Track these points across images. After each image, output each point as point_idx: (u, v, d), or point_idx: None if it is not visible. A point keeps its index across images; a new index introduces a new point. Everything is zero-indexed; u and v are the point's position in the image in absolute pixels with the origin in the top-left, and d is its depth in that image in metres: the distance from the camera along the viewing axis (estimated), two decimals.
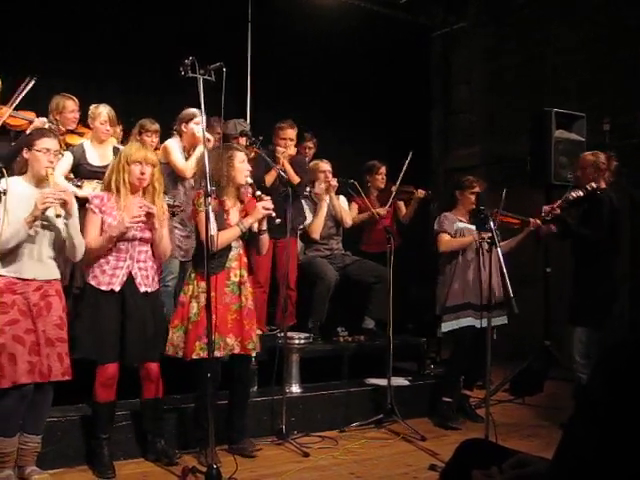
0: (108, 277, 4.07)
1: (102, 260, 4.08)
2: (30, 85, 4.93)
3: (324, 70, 7.79)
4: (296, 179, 5.76)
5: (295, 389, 5.23)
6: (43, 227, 3.85)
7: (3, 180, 3.45)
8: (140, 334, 4.08)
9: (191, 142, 5.28)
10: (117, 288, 4.06)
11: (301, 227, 6.01)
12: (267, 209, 4.33)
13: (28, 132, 4.17)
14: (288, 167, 5.73)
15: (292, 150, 5.85)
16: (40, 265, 3.86)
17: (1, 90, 4.91)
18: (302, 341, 5.31)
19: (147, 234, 4.14)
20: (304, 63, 7.66)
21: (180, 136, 5.39)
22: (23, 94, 4.93)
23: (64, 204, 3.75)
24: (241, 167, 4.39)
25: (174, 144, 5.29)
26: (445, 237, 5.38)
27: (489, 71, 8.83)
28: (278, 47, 7.47)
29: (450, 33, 9.18)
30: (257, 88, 7.45)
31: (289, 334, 5.18)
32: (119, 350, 4.03)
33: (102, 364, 4.05)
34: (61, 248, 3.94)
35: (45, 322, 3.84)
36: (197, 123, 5.14)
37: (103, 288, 4.05)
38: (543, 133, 6.29)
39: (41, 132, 4.01)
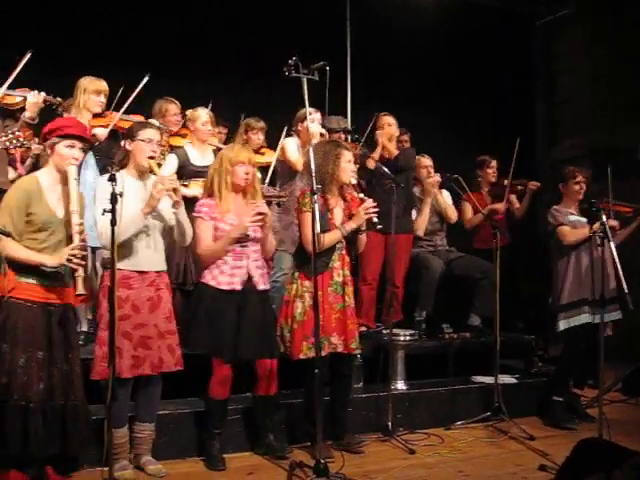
0: (228, 277, 4.16)
1: (220, 261, 4.18)
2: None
3: (423, 65, 7.71)
4: (394, 153, 5.74)
5: (400, 386, 5.22)
6: (153, 217, 4.00)
7: (119, 182, 3.58)
8: (257, 331, 4.16)
9: (307, 140, 5.34)
10: (238, 287, 4.15)
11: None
12: (369, 213, 4.32)
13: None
14: (387, 144, 5.74)
15: (392, 130, 5.84)
16: (153, 256, 4.03)
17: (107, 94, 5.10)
18: (407, 338, 5.29)
19: (259, 234, 4.22)
20: (402, 59, 7.61)
21: (298, 135, 5.49)
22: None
23: (175, 192, 3.91)
24: (347, 167, 4.40)
25: (291, 142, 5.40)
26: (566, 229, 5.19)
27: (594, 59, 8.51)
28: (376, 44, 7.45)
29: (553, 21, 8.91)
30: (356, 85, 7.46)
31: (394, 331, 5.17)
32: (236, 348, 4.12)
33: (219, 362, 4.15)
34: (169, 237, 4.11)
35: (157, 316, 3.99)
36: (312, 121, 5.16)
37: (224, 288, 4.15)
38: None
39: (143, 124, 4.17)
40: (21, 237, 3.63)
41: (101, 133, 4.90)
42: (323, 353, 4.22)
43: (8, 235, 3.51)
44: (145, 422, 4.10)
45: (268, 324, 4.26)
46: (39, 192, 3.70)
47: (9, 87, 4.81)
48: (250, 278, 4.19)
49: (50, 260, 3.65)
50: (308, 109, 5.09)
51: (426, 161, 6.09)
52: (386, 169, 5.33)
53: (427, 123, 7.17)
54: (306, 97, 4.04)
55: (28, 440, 3.58)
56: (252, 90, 7.06)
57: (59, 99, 4.90)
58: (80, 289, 3.63)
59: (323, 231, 4.16)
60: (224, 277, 4.16)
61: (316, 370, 3.89)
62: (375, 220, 4.32)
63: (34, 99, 4.70)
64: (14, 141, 3.94)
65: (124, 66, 5.93)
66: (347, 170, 4.40)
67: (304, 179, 5.25)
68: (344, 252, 4.45)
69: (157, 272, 4.06)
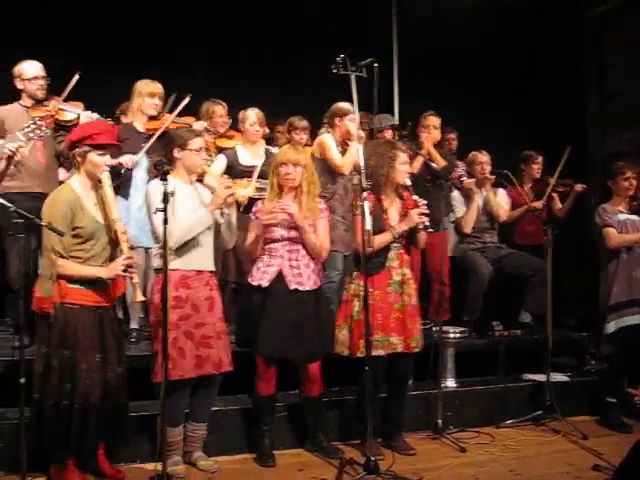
0: (260, 274, 4.21)
1: (258, 259, 4.25)
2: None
3: (469, 60, 7.64)
4: (441, 162, 5.72)
5: (450, 383, 5.20)
6: None
7: (171, 181, 3.63)
8: (288, 332, 4.13)
9: (345, 137, 5.31)
10: (265, 284, 4.17)
11: (453, 220, 5.92)
12: (420, 217, 4.30)
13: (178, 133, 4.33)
14: (433, 151, 5.73)
15: (437, 135, 5.82)
16: (207, 256, 4.09)
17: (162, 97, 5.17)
18: (457, 335, 5.27)
19: (293, 233, 4.21)
20: (448, 55, 7.54)
21: (333, 130, 5.42)
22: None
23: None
24: (402, 168, 4.39)
25: (329, 139, 5.28)
26: (612, 231, 5.11)
27: None
28: (422, 40, 7.41)
29: (604, 12, 8.73)
30: (403, 82, 7.42)
31: (444, 328, 5.13)
32: (271, 346, 4.11)
33: (261, 358, 4.17)
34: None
35: (214, 315, 4.04)
36: (351, 120, 5.12)
37: (254, 283, 4.20)
38: None
39: (191, 132, 4.21)
40: (69, 251, 3.68)
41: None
42: (382, 352, 4.24)
43: (62, 234, 3.57)
44: (200, 422, 4.15)
45: (308, 326, 4.19)
46: (79, 202, 3.75)
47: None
48: (282, 277, 4.20)
49: (106, 272, 3.73)
50: (348, 107, 5.13)
51: (482, 157, 5.98)
52: (435, 165, 5.30)
53: (474, 118, 7.10)
54: (354, 95, 4.03)
55: (86, 439, 3.70)
56: (296, 88, 7.08)
57: (110, 120, 4.99)
58: (140, 296, 3.73)
59: (377, 232, 4.17)
60: (257, 274, 4.22)
61: (366, 368, 3.89)
62: (427, 223, 4.31)
63: (87, 120, 4.79)
64: (37, 131, 3.98)
65: (175, 68, 6.04)
66: (402, 172, 4.39)
67: (344, 179, 5.26)
68: (402, 251, 4.43)
69: (210, 272, 4.11)
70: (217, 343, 4.02)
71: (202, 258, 4.05)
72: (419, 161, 5.60)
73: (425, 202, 4.36)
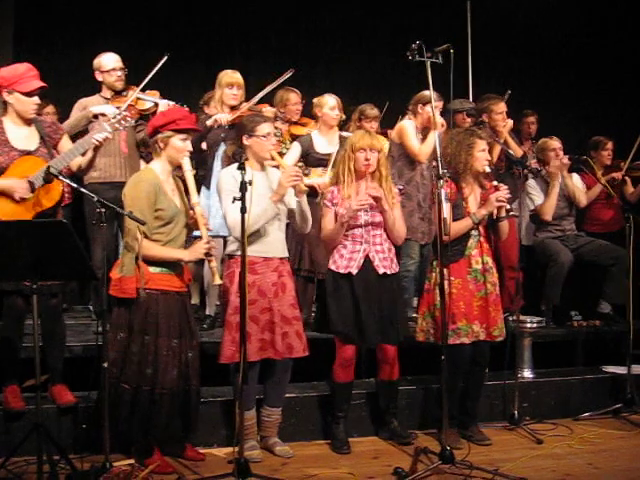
0: (346, 261, 4.20)
1: (340, 246, 4.24)
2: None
3: (544, 44, 7.47)
4: (519, 151, 5.63)
5: (527, 374, 5.11)
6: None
7: (248, 171, 3.67)
8: (377, 316, 4.17)
9: (426, 124, 5.28)
10: (354, 271, 4.18)
11: (532, 208, 5.81)
12: (501, 201, 4.24)
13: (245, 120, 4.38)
14: (510, 140, 5.63)
15: (510, 122, 5.69)
16: (277, 242, 4.12)
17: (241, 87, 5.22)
18: (535, 325, 5.16)
19: (378, 218, 4.22)
20: (523, 38, 7.39)
21: (415, 117, 5.41)
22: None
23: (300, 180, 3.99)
24: (481, 156, 4.33)
25: (409, 126, 5.29)
26: None
27: None
28: (497, 24, 7.28)
29: None
30: (477, 67, 7.30)
31: (521, 317, 5.07)
32: (357, 332, 4.15)
33: (342, 345, 4.20)
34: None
35: (281, 301, 4.08)
36: (435, 107, 5.09)
37: (341, 271, 4.20)
38: None
39: (258, 118, 4.23)
40: (151, 233, 3.78)
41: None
42: (467, 340, 4.23)
43: (143, 223, 3.67)
44: (274, 407, 4.20)
45: (391, 309, 4.24)
46: (160, 185, 3.84)
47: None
48: (369, 262, 4.21)
49: (188, 255, 3.84)
50: (434, 96, 5.08)
51: (554, 143, 5.87)
52: (512, 152, 5.21)
53: (549, 103, 6.95)
54: (430, 81, 3.99)
55: (167, 423, 3.82)
56: (369, 74, 7.06)
57: (186, 107, 5.06)
58: (218, 279, 3.81)
59: (457, 220, 4.15)
60: (342, 261, 4.21)
61: (442, 357, 3.88)
62: (508, 207, 4.26)
63: (165, 109, 4.88)
64: (122, 121, 4.09)
65: (257, 57, 6.11)
66: (481, 159, 4.33)
67: (423, 166, 5.22)
68: (482, 239, 4.39)
69: (280, 258, 4.15)
70: (286, 328, 4.05)
71: (270, 245, 4.08)
72: (498, 149, 5.49)
73: (506, 187, 4.31)
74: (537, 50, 7.46)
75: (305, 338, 4.14)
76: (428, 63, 3.96)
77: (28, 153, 3.94)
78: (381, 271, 4.21)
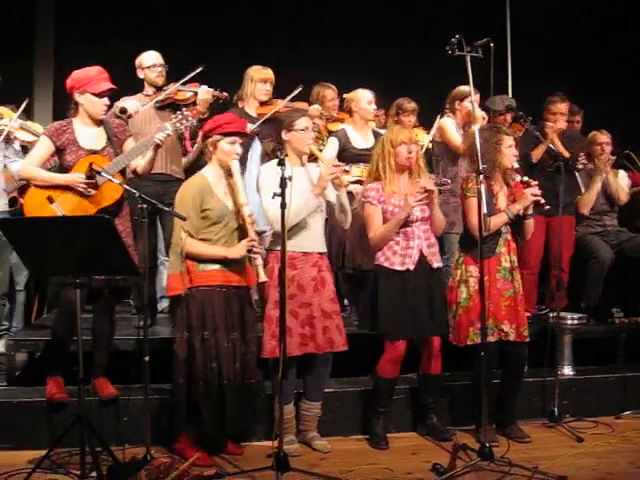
0: (401, 257, 4.20)
1: (392, 242, 4.23)
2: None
3: (587, 37, 7.36)
4: (566, 154, 5.51)
5: (567, 371, 5.04)
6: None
7: (288, 167, 3.69)
8: (429, 309, 4.20)
9: (466, 120, 5.27)
10: (412, 267, 4.19)
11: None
12: (535, 195, 4.21)
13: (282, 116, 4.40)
14: (557, 142, 5.50)
15: (562, 124, 5.52)
16: (316, 237, 4.15)
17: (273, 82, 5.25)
18: (575, 321, 5.11)
19: (427, 212, 4.23)
20: (564, 30, 7.29)
21: (453, 114, 5.40)
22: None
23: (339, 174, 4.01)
24: (508, 152, 4.31)
25: (449, 122, 5.31)
26: None
27: None
28: (537, 17, 7.19)
29: None
30: (517, 61, 7.24)
31: (561, 314, 5.02)
32: (411, 327, 4.16)
33: (393, 341, 4.20)
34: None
35: (321, 296, 4.10)
36: (472, 101, 5.07)
37: (397, 268, 4.19)
38: None
39: (296, 113, 4.27)
40: (198, 233, 3.88)
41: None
42: (492, 339, 4.20)
43: (184, 219, 3.75)
44: (313, 400, 4.23)
45: (440, 301, 4.28)
46: (209, 188, 3.94)
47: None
48: (423, 257, 4.22)
49: (232, 253, 3.91)
50: (467, 89, 5.04)
51: (602, 137, 5.77)
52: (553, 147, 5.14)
53: (592, 97, 6.84)
54: (470, 76, 3.97)
55: (229, 417, 3.90)
56: (403, 69, 7.04)
57: (225, 94, 5.11)
58: (262, 277, 3.86)
59: (488, 216, 4.10)
60: (397, 258, 4.21)
61: (482, 353, 3.86)
62: (542, 201, 4.21)
63: (204, 96, 4.95)
64: (184, 121, 4.18)
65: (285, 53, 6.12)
66: (509, 155, 4.31)
67: (465, 162, 5.19)
68: (510, 237, 4.37)
69: (319, 253, 4.17)
70: (326, 323, 4.07)
71: (310, 240, 4.10)
72: (541, 149, 5.39)
73: (536, 182, 4.28)
74: (579, 43, 7.35)
75: (344, 333, 4.16)
76: (468, 57, 3.93)
77: (94, 152, 4.10)
78: (435, 265, 4.25)
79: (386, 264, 4.21)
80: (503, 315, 4.25)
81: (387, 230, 4.19)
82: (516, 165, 4.36)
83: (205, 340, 3.86)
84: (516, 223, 4.35)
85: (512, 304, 4.29)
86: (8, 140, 4.83)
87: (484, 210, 3.83)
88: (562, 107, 5.55)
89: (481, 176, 3.84)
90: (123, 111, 4.78)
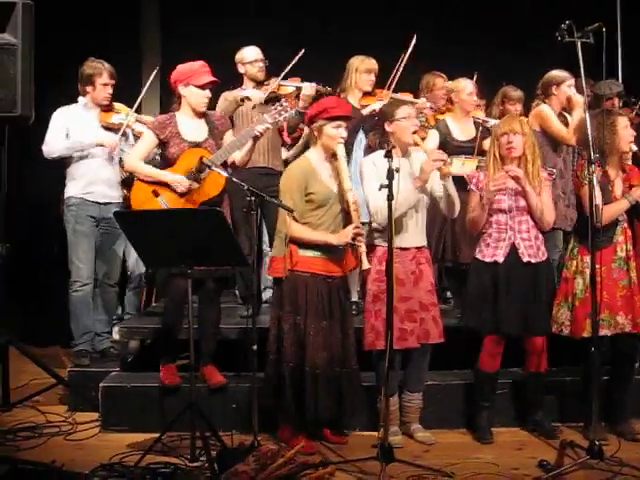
0: (492, 249, 4.16)
1: (485, 234, 4.19)
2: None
3: None
4: None
5: None
6: (420, 191, 4.05)
7: (396, 159, 3.69)
8: (520, 305, 4.10)
9: (563, 106, 5.08)
10: (500, 259, 4.12)
11: None
12: None
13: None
14: None
15: None
16: (415, 232, 4.12)
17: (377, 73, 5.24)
18: None
19: (522, 202, 4.13)
20: None
21: (549, 99, 5.16)
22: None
23: (444, 164, 3.96)
24: (625, 133, 4.14)
25: (549, 110, 5.08)
26: None
27: None
28: None
29: None
30: (628, 46, 6.95)
31: None
32: (495, 322, 4.09)
33: (489, 335, 4.16)
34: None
35: (419, 289, 4.09)
36: (570, 86, 4.93)
37: (487, 260, 4.16)
38: None
39: (395, 104, 4.25)
40: (302, 216, 3.92)
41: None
42: (609, 333, 4.07)
43: (291, 211, 3.80)
44: (414, 392, 4.23)
45: (539, 299, 4.15)
46: (313, 172, 3.97)
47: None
48: (515, 250, 4.13)
49: (336, 239, 3.92)
50: (564, 74, 4.90)
51: None
52: None
53: None
54: (581, 63, 3.83)
55: (317, 405, 3.91)
56: (509, 58, 6.87)
57: (329, 88, 5.15)
58: (366, 264, 3.87)
59: (606, 204, 3.97)
60: (488, 250, 4.16)
61: (592, 349, 3.75)
62: None
63: (308, 92, 5.01)
64: (283, 112, 4.24)
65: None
66: (626, 137, 4.15)
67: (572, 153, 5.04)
68: (626, 225, 4.22)
69: (417, 248, 4.13)
70: (422, 316, 4.06)
71: (410, 235, 4.08)
72: None
73: None
74: None
75: (441, 324, 4.14)
76: (579, 43, 3.81)
77: (197, 145, 4.25)
78: (525, 259, 4.13)
79: (479, 256, 4.19)
80: (619, 306, 4.11)
81: (475, 216, 4.16)
82: (634, 147, 4.20)
83: (296, 324, 3.90)
84: (635, 208, 4.20)
85: (628, 294, 4.14)
86: (125, 134, 5.02)
87: (597, 201, 3.71)
88: None
89: (593, 166, 3.72)
90: (246, 100, 4.90)
